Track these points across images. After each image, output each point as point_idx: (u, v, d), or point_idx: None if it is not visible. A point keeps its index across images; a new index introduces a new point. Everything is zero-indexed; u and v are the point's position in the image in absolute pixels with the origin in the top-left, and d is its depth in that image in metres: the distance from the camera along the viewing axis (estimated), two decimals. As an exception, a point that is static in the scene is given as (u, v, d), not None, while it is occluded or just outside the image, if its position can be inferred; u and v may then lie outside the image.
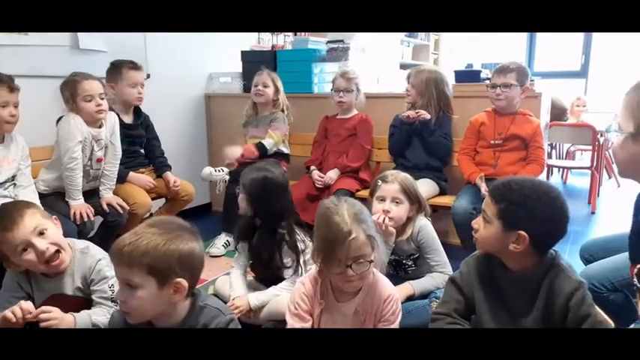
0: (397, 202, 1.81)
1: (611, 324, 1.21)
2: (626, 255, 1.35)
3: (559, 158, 4.93)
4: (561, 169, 4.74)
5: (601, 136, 3.86)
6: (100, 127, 2.31)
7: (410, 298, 1.77)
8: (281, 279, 1.90)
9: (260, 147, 2.90)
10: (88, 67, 2.36)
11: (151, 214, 2.66)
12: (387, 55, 4.78)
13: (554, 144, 4.78)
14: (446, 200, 2.57)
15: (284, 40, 4.36)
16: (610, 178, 4.69)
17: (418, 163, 2.69)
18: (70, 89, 2.20)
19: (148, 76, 2.99)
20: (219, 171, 2.85)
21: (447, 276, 1.59)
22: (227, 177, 2.82)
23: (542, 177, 2.77)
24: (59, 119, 2.26)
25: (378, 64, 4.22)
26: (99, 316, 1.47)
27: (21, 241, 1.42)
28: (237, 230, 1.99)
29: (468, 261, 1.38)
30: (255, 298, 1.83)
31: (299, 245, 1.87)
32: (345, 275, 1.33)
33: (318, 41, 3.53)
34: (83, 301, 1.53)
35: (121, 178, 2.49)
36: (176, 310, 1.20)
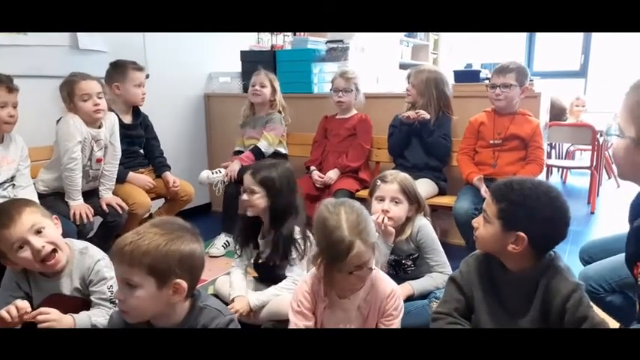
0: (396, 202, 1.81)
1: (609, 326, 1.21)
2: (623, 256, 1.35)
3: (558, 158, 4.93)
4: (561, 169, 4.74)
5: (600, 135, 3.86)
6: (100, 127, 2.31)
7: (409, 298, 1.77)
8: (281, 278, 1.89)
9: (255, 151, 2.89)
10: (88, 68, 2.36)
11: (151, 215, 2.66)
12: (387, 55, 4.78)
13: (553, 144, 4.78)
14: (446, 200, 2.57)
15: (283, 40, 4.36)
16: (609, 178, 4.70)
17: (417, 163, 2.69)
18: (68, 89, 2.20)
19: (148, 76, 2.98)
20: (216, 172, 2.85)
21: (447, 276, 1.59)
22: (225, 178, 2.81)
23: (542, 177, 2.78)
24: (59, 120, 2.26)
25: (377, 64, 4.22)
26: (98, 317, 1.46)
27: (17, 239, 1.42)
28: (238, 231, 1.99)
29: (467, 260, 1.39)
30: (256, 298, 1.82)
31: (301, 243, 1.87)
32: (346, 279, 1.35)
33: (317, 41, 3.52)
34: (81, 301, 1.53)
35: (121, 179, 2.49)
36: (175, 310, 1.19)
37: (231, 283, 1.93)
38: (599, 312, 1.34)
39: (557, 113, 4.25)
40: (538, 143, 2.45)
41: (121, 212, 2.34)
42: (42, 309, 1.39)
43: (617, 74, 5.51)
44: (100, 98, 2.24)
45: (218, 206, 3.37)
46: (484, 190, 2.34)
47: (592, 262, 1.68)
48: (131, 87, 2.58)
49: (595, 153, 3.83)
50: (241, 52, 3.56)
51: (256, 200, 1.86)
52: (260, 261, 1.96)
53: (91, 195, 2.35)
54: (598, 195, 4.05)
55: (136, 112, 2.70)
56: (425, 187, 2.52)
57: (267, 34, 4.25)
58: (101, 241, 1.98)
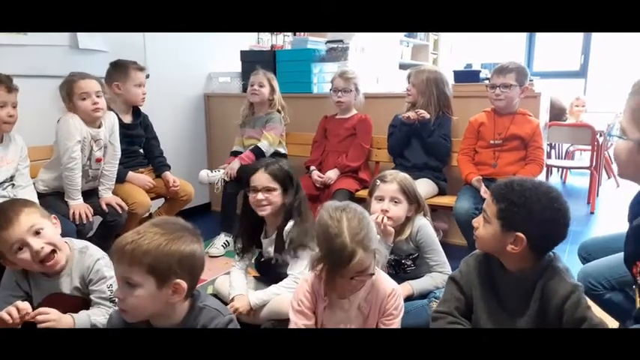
0: (396, 202, 1.81)
1: (607, 327, 1.21)
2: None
3: (558, 158, 4.93)
4: (560, 169, 4.74)
5: (600, 135, 3.86)
6: (99, 127, 2.31)
7: (409, 298, 1.77)
8: (283, 276, 1.88)
9: (256, 151, 2.89)
10: (88, 67, 2.36)
11: (150, 214, 2.66)
12: (387, 55, 4.78)
13: (553, 144, 4.78)
14: (446, 200, 2.57)
15: (283, 40, 4.36)
16: (609, 178, 4.70)
17: (417, 163, 2.69)
18: (67, 88, 2.21)
19: (148, 76, 2.98)
20: (215, 171, 2.85)
21: (446, 276, 1.59)
22: (225, 176, 2.81)
23: (542, 177, 2.78)
24: (59, 120, 2.26)
25: (377, 64, 4.21)
26: (97, 316, 1.46)
27: (16, 240, 1.42)
28: (240, 231, 1.98)
29: (467, 260, 1.39)
30: (256, 297, 1.82)
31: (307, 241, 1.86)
32: (347, 284, 1.35)
33: (317, 41, 3.52)
34: (81, 301, 1.53)
35: (120, 178, 2.49)
36: (175, 310, 1.19)
37: (231, 283, 1.92)
38: (597, 311, 1.34)
39: (557, 113, 4.25)
40: (538, 143, 2.45)
41: (120, 212, 2.34)
42: (41, 309, 1.39)
43: (617, 74, 5.51)
44: (98, 97, 2.24)
45: (218, 206, 3.36)
46: (483, 191, 2.35)
47: (590, 260, 1.68)
48: (132, 87, 2.58)
49: (595, 153, 3.83)
50: (241, 52, 3.56)
51: (275, 198, 1.83)
52: (262, 259, 1.96)
53: (90, 195, 2.35)
54: (598, 195, 4.05)
55: (135, 111, 2.70)
56: (425, 187, 2.52)
57: (267, 34, 4.25)
58: (101, 241, 1.98)
